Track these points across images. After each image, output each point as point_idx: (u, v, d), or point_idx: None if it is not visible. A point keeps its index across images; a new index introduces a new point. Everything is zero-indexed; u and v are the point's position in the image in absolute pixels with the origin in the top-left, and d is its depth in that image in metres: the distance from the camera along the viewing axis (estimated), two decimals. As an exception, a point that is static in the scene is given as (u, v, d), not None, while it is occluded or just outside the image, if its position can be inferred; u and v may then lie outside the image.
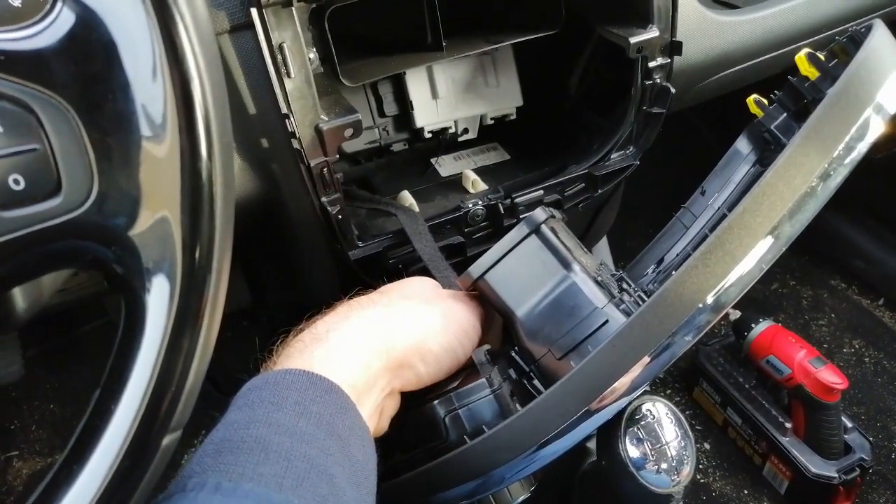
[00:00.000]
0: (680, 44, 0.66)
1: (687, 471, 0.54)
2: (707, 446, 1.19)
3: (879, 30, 0.46)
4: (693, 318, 0.40)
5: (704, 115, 1.42)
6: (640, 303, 0.50)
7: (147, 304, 0.31)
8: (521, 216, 0.67)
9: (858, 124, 0.41)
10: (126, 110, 0.29)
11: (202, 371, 0.33)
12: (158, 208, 0.30)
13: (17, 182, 0.28)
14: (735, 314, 1.18)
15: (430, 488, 0.46)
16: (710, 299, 0.40)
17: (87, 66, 0.29)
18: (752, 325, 1.09)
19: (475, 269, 0.51)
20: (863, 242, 1.41)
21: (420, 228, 0.62)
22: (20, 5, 0.28)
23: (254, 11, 0.51)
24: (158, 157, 0.29)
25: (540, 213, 0.50)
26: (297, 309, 0.52)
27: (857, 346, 1.31)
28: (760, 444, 1.11)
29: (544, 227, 0.50)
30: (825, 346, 1.31)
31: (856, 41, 0.48)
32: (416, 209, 0.69)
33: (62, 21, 0.29)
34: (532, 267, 0.50)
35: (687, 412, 1.23)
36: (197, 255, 0.31)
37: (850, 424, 1.06)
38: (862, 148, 0.41)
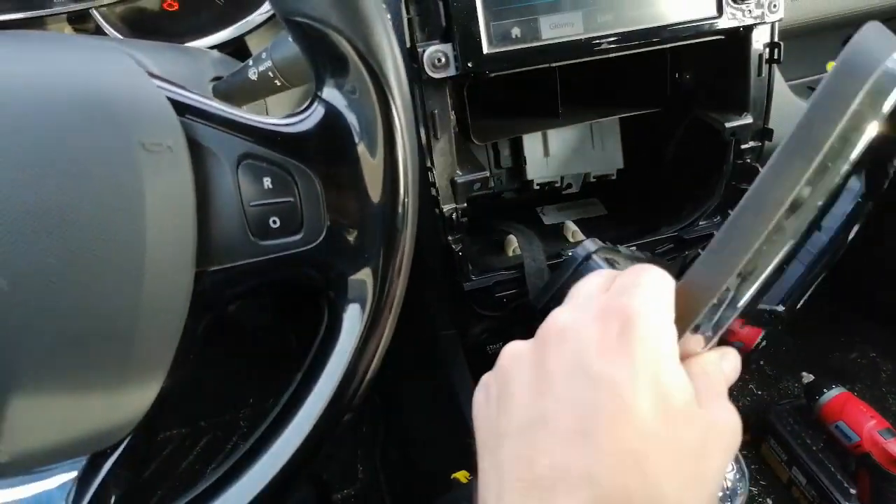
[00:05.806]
0: (771, 131, 0.73)
1: (740, 502, 0.61)
2: (769, 502, 1.22)
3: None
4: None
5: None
6: None
7: (343, 319, 0.43)
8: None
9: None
10: (353, 178, 0.41)
11: (378, 366, 0.44)
12: (364, 256, 0.41)
13: (275, 222, 0.40)
14: (808, 378, 1.21)
15: None
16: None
17: (329, 146, 0.41)
18: (825, 390, 1.13)
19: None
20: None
21: (533, 240, 0.72)
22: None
23: (415, 86, 0.63)
24: (371, 214, 0.41)
25: (590, 244, 0.58)
26: (409, 336, 0.61)
27: (934, 425, 1.30)
28: (824, 506, 1.13)
29: (595, 256, 0.58)
30: (901, 420, 1.32)
31: None
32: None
33: (316, 113, 0.41)
34: None
35: (753, 466, 1.27)
36: (387, 288, 0.42)
37: (917, 499, 1.07)
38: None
